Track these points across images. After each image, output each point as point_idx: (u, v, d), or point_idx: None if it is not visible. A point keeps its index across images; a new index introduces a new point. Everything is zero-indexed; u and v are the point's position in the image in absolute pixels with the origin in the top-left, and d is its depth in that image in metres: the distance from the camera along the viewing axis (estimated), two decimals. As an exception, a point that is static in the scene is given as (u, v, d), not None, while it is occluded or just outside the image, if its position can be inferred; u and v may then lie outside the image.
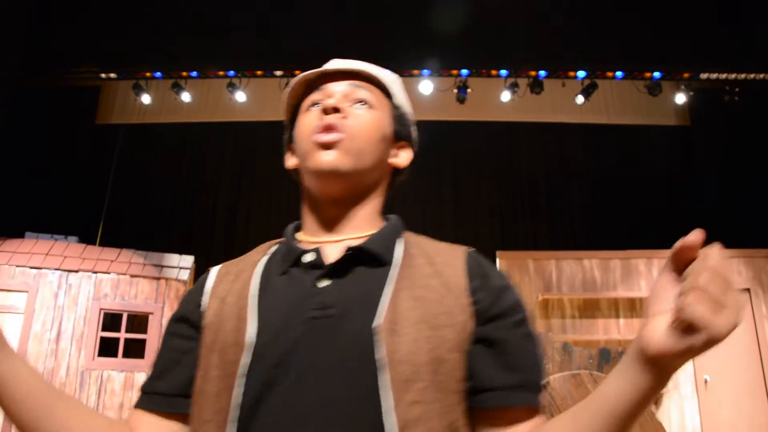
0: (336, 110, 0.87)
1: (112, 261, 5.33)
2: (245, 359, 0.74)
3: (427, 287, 0.80)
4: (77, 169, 7.57)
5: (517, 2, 6.48)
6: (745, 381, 5.78)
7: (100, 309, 5.10)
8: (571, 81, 7.45)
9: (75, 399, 0.78)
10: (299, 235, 0.93)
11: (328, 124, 0.86)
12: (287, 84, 0.98)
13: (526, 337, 0.81)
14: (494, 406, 0.77)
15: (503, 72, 7.35)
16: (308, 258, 0.84)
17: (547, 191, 7.98)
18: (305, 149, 0.88)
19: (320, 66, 0.97)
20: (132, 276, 5.27)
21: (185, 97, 7.57)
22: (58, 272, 5.15)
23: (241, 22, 6.66)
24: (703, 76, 7.34)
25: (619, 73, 7.36)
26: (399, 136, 0.97)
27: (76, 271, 5.19)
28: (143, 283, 5.29)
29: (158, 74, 7.55)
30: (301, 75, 0.93)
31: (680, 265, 0.63)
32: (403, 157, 0.99)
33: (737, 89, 7.47)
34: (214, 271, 0.92)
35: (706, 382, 5.79)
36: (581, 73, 7.32)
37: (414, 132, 1.02)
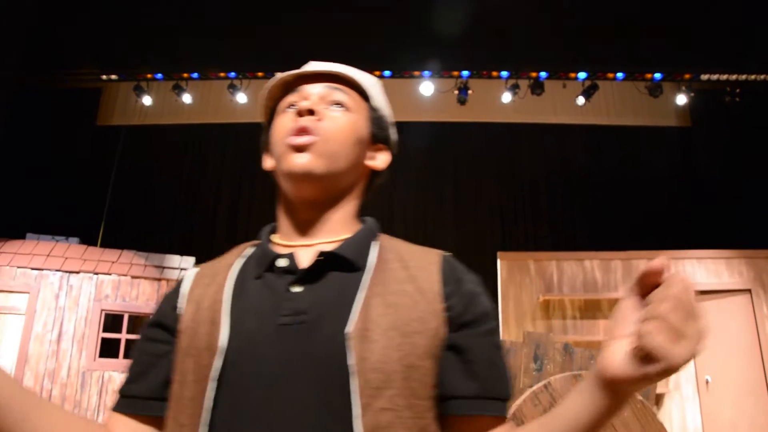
0: (311, 112, 0.87)
1: (113, 262, 5.34)
2: (217, 364, 0.74)
3: (400, 293, 0.80)
4: (78, 170, 7.58)
5: (518, 3, 6.48)
6: (746, 381, 5.78)
7: (102, 310, 5.11)
8: (571, 82, 7.46)
9: (51, 403, 0.77)
10: (274, 238, 0.92)
11: (301, 126, 0.86)
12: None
13: (494, 347, 0.82)
14: (460, 414, 0.77)
15: (504, 73, 7.36)
16: (282, 263, 0.84)
17: (548, 192, 7.98)
18: (279, 152, 0.88)
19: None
20: (133, 277, 5.28)
21: (186, 98, 7.58)
22: (60, 273, 5.15)
23: (242, 24, 6.66)
24: (704, 77, 7.35)
25: (619, 74, 7.36)
26: (376, 138, 0.97)
27: (78, 272, 5.19)
28: (144, 284, 5.29)
29: (159, 76, 7.56)
30: (278, 76, 0.93)
31: (645, 290, 0.63)
32: (381, 160, 0.98)
33: (738, 90, 7.47)
34: (190, 274, 0.91)
35: (707, 382, 5.79)
36: (582, 75, 7.33)
37: (393, 134, 1.02)
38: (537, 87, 7.26)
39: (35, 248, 5.29)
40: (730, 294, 6.07)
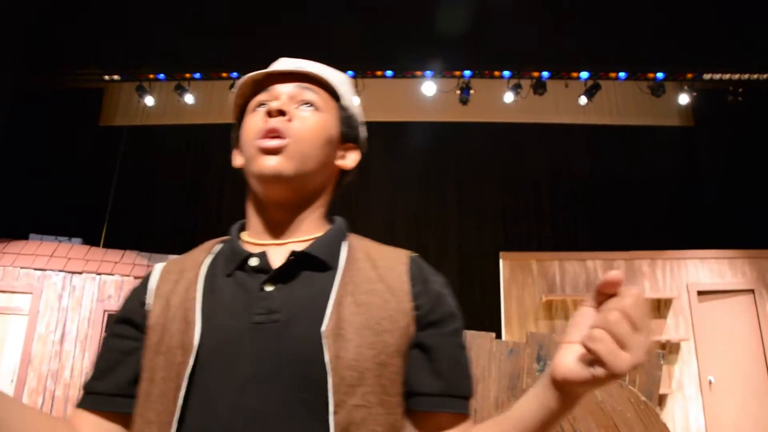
0: (281, 113, 0.87)
1: (115, 263, 5.35)
2: (189, 362, 0.75)
3: (370, 292, 0.81)
4: (81, 170, 7.59)
5: (520, 3, 6.47)
6: (750, 382, 5.76)
7: (104, 310, 5.12)
8: (574, 82, 7.45)
9: (16, 400, 0.77)
10: (244, 236, 0.93)
11: (272, 128, 0.86)
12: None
13: (458, 347, 0.85)
14: (425, 410, 0.80)
15: (506, 73, 7.35)
16: (254, 262, 0.84)
17: (551, 192, 7.97)
18: (249, 153, 0.88)
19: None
20: (136, 278, 5.28)
21: (188, 98, 7.59)
22: (62, 274, 5.16)
23: (243, 24, 6.67)
24: (707, 76, 7.33)
25: (622, 74, 7.35)
26: (346, 137, 0.97)
27: (80, 273, 5.20)
28: (147, 285, 5.29)
29: (161, 76, 7.57)
30: (247, 75, 0.93)
31: (601, 299, 0.66)
32: (350, 159, 0.98)
33: (741, 89, 7.45)
34: (157, 269, 0.92)
35: (710, 383, 5.78)
36: (584, 74, 7.31)
37: (362, 133, 1.02)
38: (539, 87, 7.25)
39: (38, 249, 5.30)
40: (733, 294, 6.06)
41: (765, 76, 7.24)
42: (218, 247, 0.93)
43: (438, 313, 0.84)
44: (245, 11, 6.64)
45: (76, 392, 4.85)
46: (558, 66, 7.27)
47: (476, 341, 2.39)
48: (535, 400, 0.72)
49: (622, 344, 0.60)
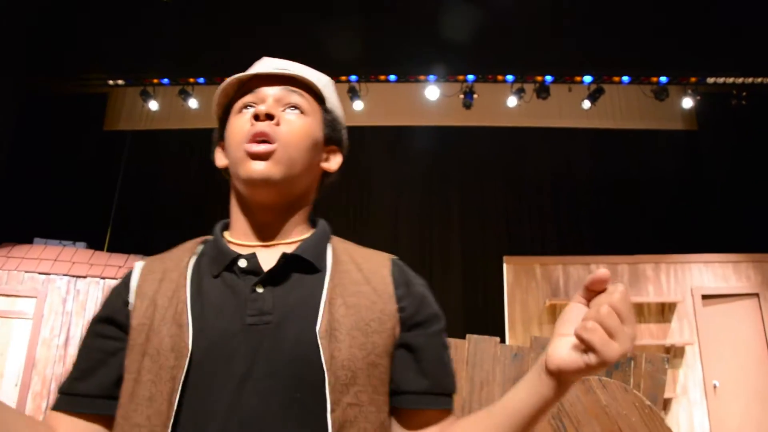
0: (269, 117, 0.87)
1: (119, 267, 5.36)
2: (184, 366, 0.74)
3: (358, 294, 0.83)
4: (85, 175, 7.62)
5: (523, 7, 6.48)
6: (754, 386, 5.74)
7: (108, 314, 5.12)
8: (577, 86, 7.44)
9: None
10: (228, 236, 0.93)
11: (260, 131, 0.86)
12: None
13: (442, 347, 0.88)
14: (412, 408, 0.83)
15: (509, 77, 7.34)
16: (243, 263, 0.84)
17: (554, 196, 7.96)
18: (236, 156, 0.88)
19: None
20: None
21: (192, 103, 7.61)
22: (67, 278, 5.17)
23: (246, 27, 6.68)
24: (710, 80, 7.31)
25: (625, 78, 7.34)
26: (330, 140, 0.97)
27: (84, 277, 5.21)
28: (151, 289, 5.30)
29: (165, 81, 7.59)
30: (234, 76, 0.93)
31: (590, 296, 0.70)
32: (334, 162, 0.99)
33: (744, 93, 7.43)
34: (138, 268, 0.91)
35: (715, 387, 5.75)
36: (588, 78, 7.31)
37: (345, 135, 1.02)
38: (542, 91, 7.25)
39: (42, 253, 5.32)
40: (737, 298, 6.04)
41: (769, 79, 7.23)
42: (201, 248, 0.93)
43: (423, 314, 0.86)
44: (248, 14, 6.66)
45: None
46: (561, 70, 7.27)
47: (480, 345, 2.39)
48: (530, 389, 0.74)
49: (612, 335, 0.64)
